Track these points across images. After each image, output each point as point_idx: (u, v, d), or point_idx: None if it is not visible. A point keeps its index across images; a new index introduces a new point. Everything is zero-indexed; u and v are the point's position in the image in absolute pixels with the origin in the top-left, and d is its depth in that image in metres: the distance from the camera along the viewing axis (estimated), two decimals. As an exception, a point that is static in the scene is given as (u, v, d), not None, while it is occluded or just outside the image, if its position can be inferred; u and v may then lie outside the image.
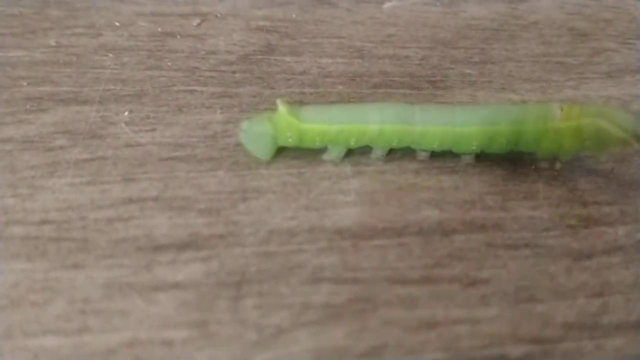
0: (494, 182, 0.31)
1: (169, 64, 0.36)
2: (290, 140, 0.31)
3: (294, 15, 0.39)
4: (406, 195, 0.31)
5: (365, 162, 0.32)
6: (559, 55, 0.38)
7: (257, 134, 0.31)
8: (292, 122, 0.31)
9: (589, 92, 0.36)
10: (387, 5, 0.41)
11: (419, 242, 0.29)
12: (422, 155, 0.32)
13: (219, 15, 0.39)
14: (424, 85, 0.36)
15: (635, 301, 0.28)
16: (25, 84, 0.34)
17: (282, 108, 0.31)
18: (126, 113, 0.33)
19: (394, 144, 0.31)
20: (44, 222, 0.29)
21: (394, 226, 0.30)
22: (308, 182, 0.31)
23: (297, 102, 0.34)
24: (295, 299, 0.27)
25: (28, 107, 0.33)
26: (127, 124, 0.33)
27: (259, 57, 0.37)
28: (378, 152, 0.32)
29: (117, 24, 0.38)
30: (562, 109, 0.30)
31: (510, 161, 0.32)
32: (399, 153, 0.32)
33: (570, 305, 0.28)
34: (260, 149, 0.31)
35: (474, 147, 0.31)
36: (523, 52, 0.38)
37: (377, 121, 0.31)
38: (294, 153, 0.32)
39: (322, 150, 0.32)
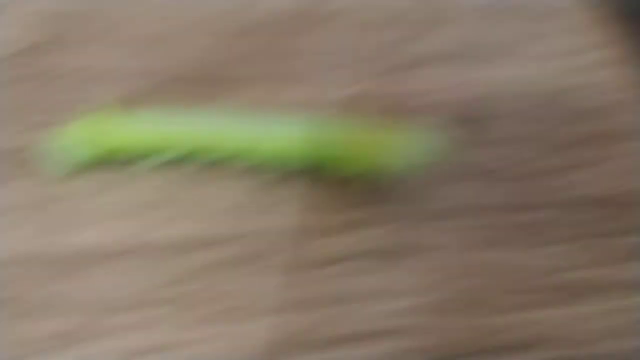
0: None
1: None
2: (96, 151, 0.29)
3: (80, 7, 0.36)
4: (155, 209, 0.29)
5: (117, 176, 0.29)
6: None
7: (54, 146, 0.29)
8: (100, 131, 0.28)
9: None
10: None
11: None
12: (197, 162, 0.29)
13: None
14: (210, 83, 0.33)
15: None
16: None
17: (89, 117, 0.28)
18: None
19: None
20: None
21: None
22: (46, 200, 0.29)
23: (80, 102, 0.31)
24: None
25: None
26: None
27: (34, 54, 0.34)
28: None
29: None
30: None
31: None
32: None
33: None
34: (59, 163, 0.29)
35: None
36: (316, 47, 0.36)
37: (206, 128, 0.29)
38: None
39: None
